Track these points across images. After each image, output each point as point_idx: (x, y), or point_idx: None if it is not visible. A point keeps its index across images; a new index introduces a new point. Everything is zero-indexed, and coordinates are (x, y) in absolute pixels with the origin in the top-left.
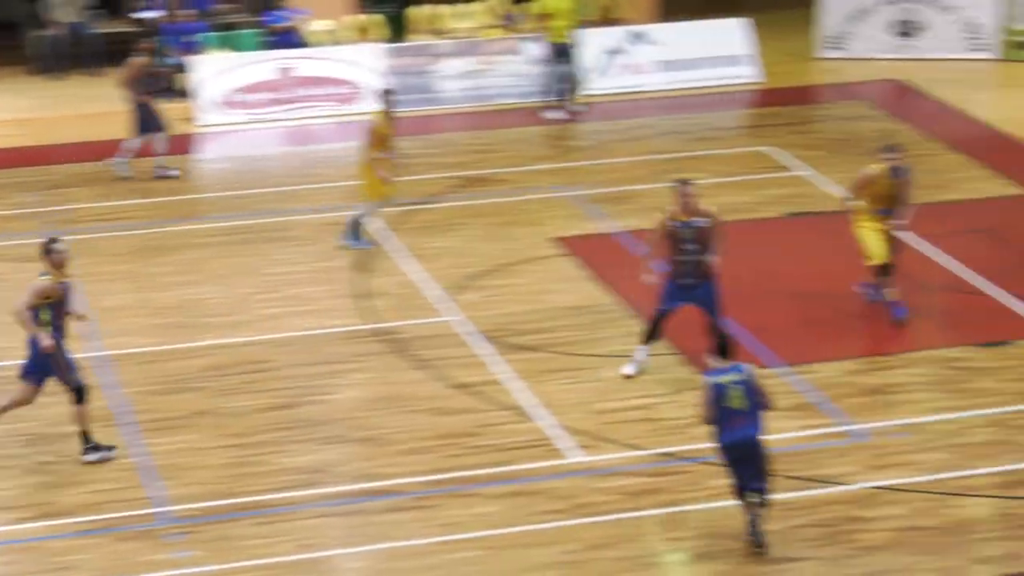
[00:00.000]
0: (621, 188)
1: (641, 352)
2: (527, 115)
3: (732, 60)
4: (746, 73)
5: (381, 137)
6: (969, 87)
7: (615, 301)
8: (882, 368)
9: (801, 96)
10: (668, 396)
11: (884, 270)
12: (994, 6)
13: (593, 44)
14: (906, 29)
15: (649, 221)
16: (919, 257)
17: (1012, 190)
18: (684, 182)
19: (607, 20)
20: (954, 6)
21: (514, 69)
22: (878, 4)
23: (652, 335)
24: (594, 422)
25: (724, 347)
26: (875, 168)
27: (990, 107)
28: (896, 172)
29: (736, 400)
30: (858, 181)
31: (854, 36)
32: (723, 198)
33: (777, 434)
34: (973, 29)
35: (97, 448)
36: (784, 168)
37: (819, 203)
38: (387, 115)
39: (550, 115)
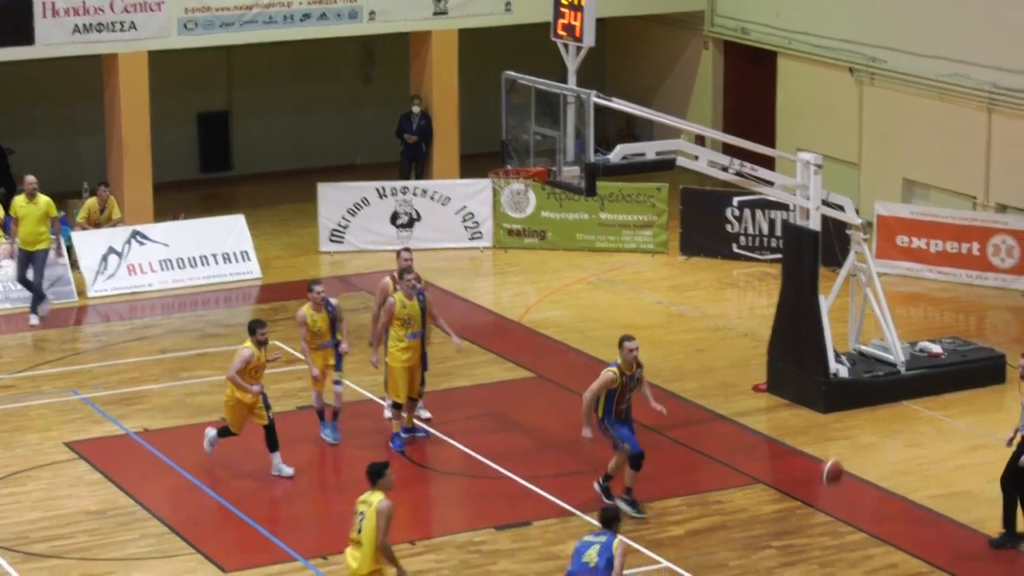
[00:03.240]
0: (132, 389)
1: None
2: (21, 320)
3: (234, 256)
4: (248, 269)
5: None
6: (469, 274)
7: (132, 503)
8: (404, 556)
9: (304, 290)
10: None
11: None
12: (488, 197)
13: (92, 245)
14: (405, 220)
15: (163, 421)
16: (437, 443)
17: (516, 373)
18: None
19: (104, 221)
20: (450, 197)
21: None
22: (376, 197)
23: None
24: None
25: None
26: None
27: (489, 293)
28: (327, 305)
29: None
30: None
31: (354, 228)
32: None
33: None
34: (469, 219)
35: None
36: (298, 361)
37: None
38: None
39: (32, 320)
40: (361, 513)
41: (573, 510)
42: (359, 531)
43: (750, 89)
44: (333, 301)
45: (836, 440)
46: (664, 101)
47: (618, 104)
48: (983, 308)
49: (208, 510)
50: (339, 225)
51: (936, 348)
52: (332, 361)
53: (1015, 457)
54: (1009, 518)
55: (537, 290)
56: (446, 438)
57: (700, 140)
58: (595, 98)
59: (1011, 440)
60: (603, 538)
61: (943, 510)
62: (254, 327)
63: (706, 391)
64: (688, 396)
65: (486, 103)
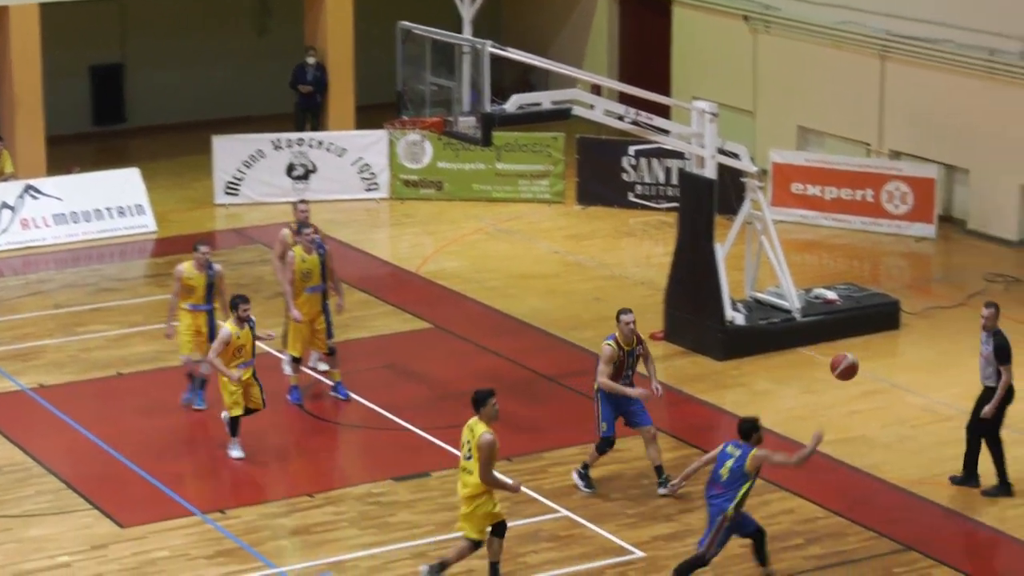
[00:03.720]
0: (27, 344)
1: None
2: None
3: (129, 210)
4: (143, 223)
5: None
6: (366, 226)
7: (28, 459)
8: (303, 509)
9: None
10: (87, 553)
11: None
12: (385, 148)
13: None
14: (301, 172)
15: (58, 376)
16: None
17: (414, 324)
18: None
19: None
20: (346, 148)
21: None
22: (272, 149)
23: None
24: None
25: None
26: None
27: (386, 244)
28: (208, 268)
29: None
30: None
31: (250, 181)
32: (132, 349)
33: None
34: (365, 170)
35: None
36: None
37: None
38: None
39: None
40: (467, 441)
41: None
42: (467, 458)
43: (646, 38)
44: (217, 266)
45: (732, 387)
46: (560, 51)
47: (514, 54)
48: (877, 254)
49: (105, 466)
50: (234, 178)
51: (831, 295)
52: (205, 331)
53: (978, 406)
54: (970, 462)
55: (434, 241)
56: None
57: (596, 89)
58: (491, 48)
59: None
60: (739, 451)
61: (838, 455)
62: (236, 303)
63: (603, 340)
64: (586, 345)
65: (381, 54)
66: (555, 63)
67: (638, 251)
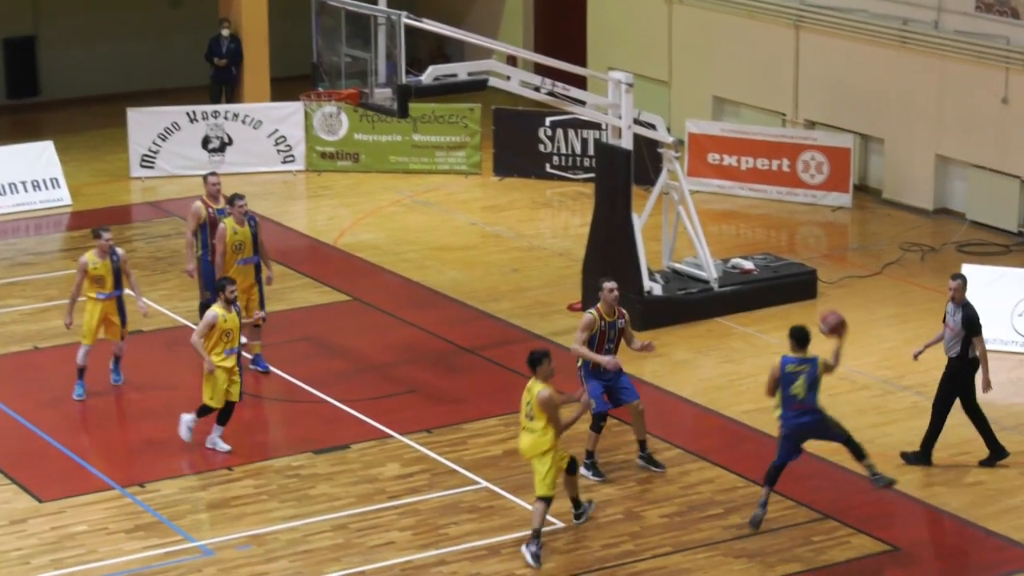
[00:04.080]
0: None
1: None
2: None
3: (44, 184)
4: (58, 196)
5: None
6: (282, 198)
7: None
8: (223, 482)
9: (115, 216)
10: (5, 528)
11: None
12: (301, 120)
13: None
14: (216, 145)
15: None
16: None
17: (331, 297)
18: None
19: None
20: (262, 120)
21: None
22: (187, 121)
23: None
24: None
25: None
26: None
27: (303, 217)
28: (112, 254)
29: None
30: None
31: (165, 153)
32: (48, 323)
33: (122, 556)
34: (282, 142)
35: None
36: None
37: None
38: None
39: None
40: (528, 403)
41: (391, 432)
42: (529, 418)
43: (561, 9)
44: (120, 251)
45: (651, 357)
46: (475, 21)
47: (429, 25)
48: (794, 224)
49: (22, 440)
50: (150, 151)
51: (748, 264)
52: (116, 319)
53: (944, 380)
54: (929, 440)
55: (351, 213)
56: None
57: (512, 60)
58: (406, 19)
59: (919, 354)
60: (806, 366)
61: (757, 425)
62: (223, 284)
63: (522, 311)
64: (504, 316)
65: (296, 25)
66: (470, 34)
67: (555, 222)
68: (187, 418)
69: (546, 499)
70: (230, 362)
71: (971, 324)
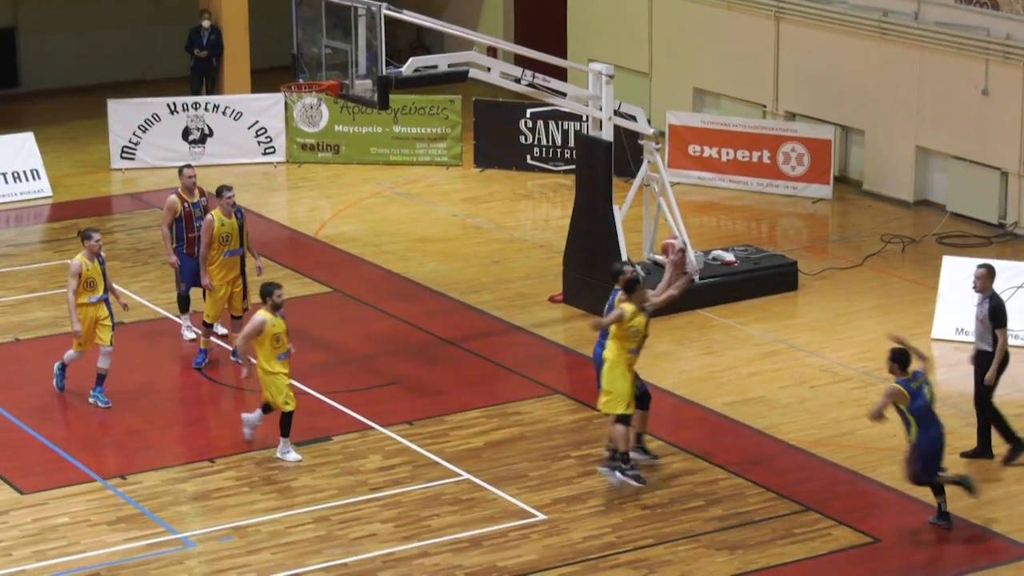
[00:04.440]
0: None
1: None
2: None
3: (24, 175)
4: (39, 188)
5: None
6: (263, 190)
7: None
8: (204, 474)
9: (96, 207)
10: None
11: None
12: (281, 111)
13: None
14: (197, 136)
15: None
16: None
17: (312, 289)
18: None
19: None
20: (242, 112)
21: None
22: (168, 113)
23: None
24: None
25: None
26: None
27: (283, 208)
28: (99, 256)
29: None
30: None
31: (146, 145)
32: (30, 314)
33: (104, 548)
34: (262, 134)
35: None
36: None
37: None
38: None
39: None
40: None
41: (372, 424)
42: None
43: (541, 0)
44: (102, 253)
45: None
46: (455, 13)
47: (409, 16)
48: (774, 216)
49: (4, 432)
50: (130, 142)
51: (729, 256)
52: (107, 321)
53: (978, 378)
54: (983, 434)
55: (332, 205)
56: (226, 346)
57: (492, 52)
58: (385, 10)
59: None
60: (921, 377)
61: (738, 416)
62: (271, 289)
63: (503, 303)
64: (485, 308)
65: (276, 16)
66: (450, 25)
67: (536, 214)
68: (251, 418)
69: (624, 416)
70: (286, 367)
71: (996, 315)
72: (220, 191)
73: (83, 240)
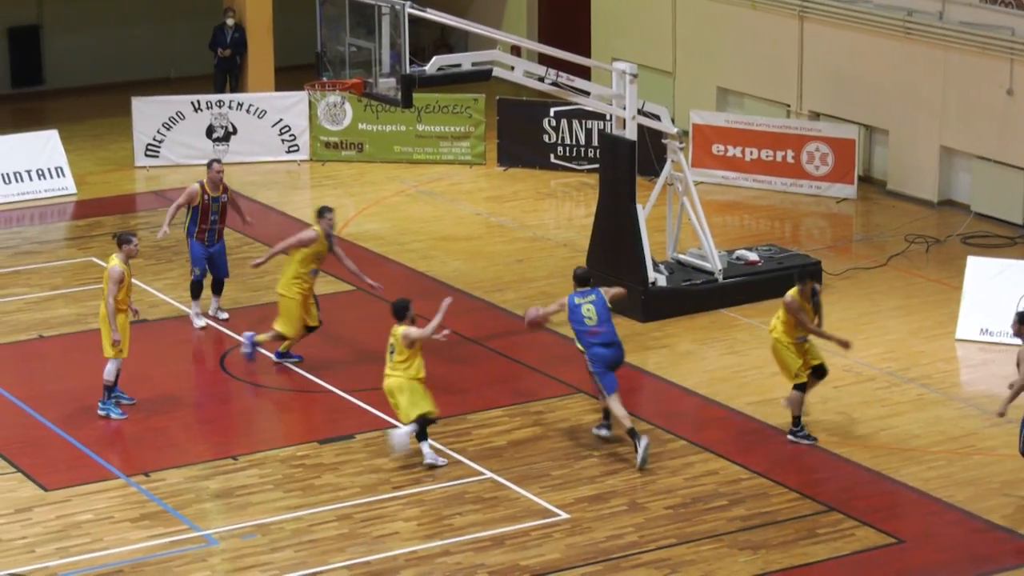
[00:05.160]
0: None
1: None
2: None
3: (48, 173)
4: (63, 185)
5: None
6: (286, 188)
7: None
8: (227, 471)
9: (120, 205)
10: (10, 516)
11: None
12: (305, 109)
13: None
14: (221, 134)
15: None
16: (258, 357)
17: (335, 287)
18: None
19: None
20: (266, 110)
21: None
22: (192, 110)
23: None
24: None
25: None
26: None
27: (307, 206)
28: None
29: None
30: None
31: (170, 143)
32: (53, 311)
33: (128, 545)
34: (286, 132)
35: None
36: None
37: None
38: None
39: None
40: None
41: (396, 423)
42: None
43: None
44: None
45: (655, 348)
46: (479, 11)
47: (433, 14)
48: (798, 215)
49: (28, 429)
50: (154, 140)
51: (753, 256)
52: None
53: None
54: None
55: (356, 203)
56: (267, 352)
57: (516, 50)
58: (409, 8)
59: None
60: (592, 296)
61: (761, 416)
62: (406, 304)
63: (526, 301)
64: (508, 307)
65: (300, 14)
66: (474, 24)
67: (559, 213)
68: (401, 432)
69: (801, 386)
70: (423, 373)
71: None
72: (322, 211)
73: (121, 244)
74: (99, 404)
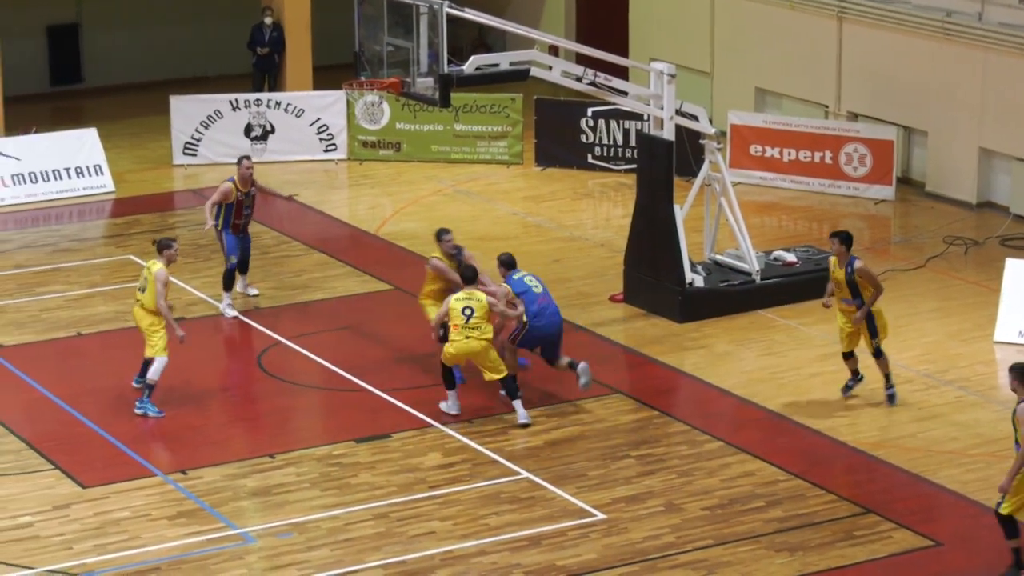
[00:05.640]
0: None
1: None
2: None
3: (87, 170)
4: (101, 183)
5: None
6: (324, 187)
7: None
8: (264, 470)
9: (158, 203)
10: (48, 513)
11: None
12: (343, 109)
13: None
14: (259, 133)
15: (18, 336)
16: (295, 356)
17: (373, 286)
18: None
19: None
20: (304, 109)
21: None
22: (230, 109)
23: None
24: None
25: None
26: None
27: (344, 205)
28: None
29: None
30: None
31: (208, 141)
32: (92, 309)
33: (165, 543)
34: (324, 131)
35: None
36: None
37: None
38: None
39: None
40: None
41: (431, 422)
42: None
43: None
44: None
45: (692, 349)
46: (517, 11)
47: (471, 14)
48: (836, 216)
49: (66, 426)
50: (192, 138)
51: (790, 257)
52: None
53: None
54: None
55: (393, 202)
56: (304, 351)
57: (554, 50)
58: (447, 8)
59: None
60: (525, 276)
61: (798, 417)
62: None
63: (563, 301)
64: None
65: (338, 14)
66: (512, 24)
67: (597, 213)
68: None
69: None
70: None
71: None
72: (440, 235)
73: (162, 250)
74: (136, 403)
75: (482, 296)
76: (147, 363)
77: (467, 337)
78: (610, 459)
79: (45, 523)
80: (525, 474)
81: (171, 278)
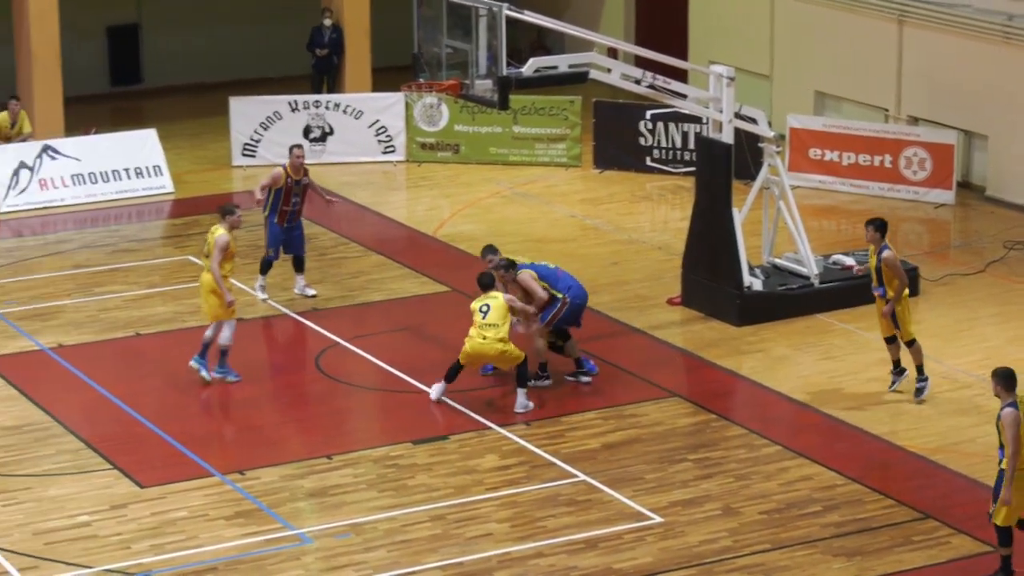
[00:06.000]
0: (46, 304)
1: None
2: None
3: (146, 171)
4: (161, 184)
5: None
6: (382, 189)
7: (47, 419)
8: (321, 471)
9: (217, 204)
10: (106, 513)
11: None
12: (401, 110)
13: (2, 160)
14: (317, 134)
15: (77, 336)
16: (352, 357)
17: (431, 287)
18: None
19: (15, 135)
20: (363, 110)
21: None
22: (289, 111)
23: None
24: (36, 543)
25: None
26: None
27: (403, 207)
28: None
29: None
30: None
31: (267, 142)
32: (150, 309)
33: (222, 543)
34: (382, 132)
35: None
36: None
37: (252, 308)
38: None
39: None
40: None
41: (489, 424)
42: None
43: (662, 2)
44: None
45: (750, 353)
46: (576, 13)
47: (530, 16)
48: (895, 220)
49: (124, 425)
50: (251, 139)
51: (849, 261)
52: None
53: None
54: None
55: (451, 204)
56: (362, 352)
57: (613, 53)
58: (507, 10)
59: None
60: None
61: (856, 422)
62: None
63: (621, 304)
64: (603, 309)
65: (397, 16)
66: (571, 26)
67: (655, 215)
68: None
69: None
70: None
71: None
72: (485, 252)
73: (225, 215)
74: (216, 368)
75: (499, 295)
76: (206, 344)
77: (484, 337)
78: (667, 462)
79: (103, 523)
80: (582, 476)
81: (232, 280)
